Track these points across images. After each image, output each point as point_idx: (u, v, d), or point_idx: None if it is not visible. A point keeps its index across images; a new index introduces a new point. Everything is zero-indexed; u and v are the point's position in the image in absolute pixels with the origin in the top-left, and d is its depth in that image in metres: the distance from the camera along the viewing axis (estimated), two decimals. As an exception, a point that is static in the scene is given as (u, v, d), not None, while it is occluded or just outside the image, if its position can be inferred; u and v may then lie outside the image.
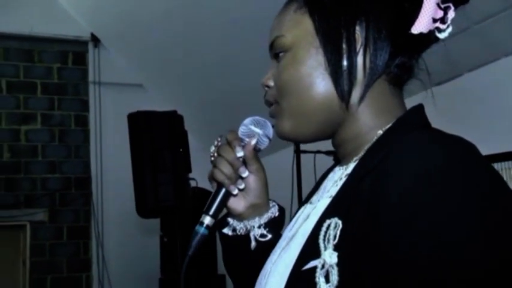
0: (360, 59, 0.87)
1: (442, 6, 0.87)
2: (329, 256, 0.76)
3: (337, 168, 0.96)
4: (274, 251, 0.96)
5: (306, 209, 0.97)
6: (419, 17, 0.86)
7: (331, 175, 0.98)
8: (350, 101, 0.88)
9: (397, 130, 0.85)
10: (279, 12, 0.96)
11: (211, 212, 1.03)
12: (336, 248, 0.76)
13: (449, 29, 0.88)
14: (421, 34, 0.87)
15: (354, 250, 0.74)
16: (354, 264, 0.73)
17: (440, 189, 0.67)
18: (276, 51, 0.94)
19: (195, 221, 1.04)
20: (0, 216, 7.65)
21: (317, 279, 0.76)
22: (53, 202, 8.01)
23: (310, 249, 0.80)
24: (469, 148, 0.73)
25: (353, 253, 0.74)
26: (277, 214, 1.10)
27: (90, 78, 7.54)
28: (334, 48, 0.87)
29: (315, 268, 0.77)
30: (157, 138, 4.24)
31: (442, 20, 0.86)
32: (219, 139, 1.10)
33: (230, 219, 1.12)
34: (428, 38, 0.89)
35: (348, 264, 0.74)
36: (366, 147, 0.87)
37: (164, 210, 4.51)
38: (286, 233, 0.96)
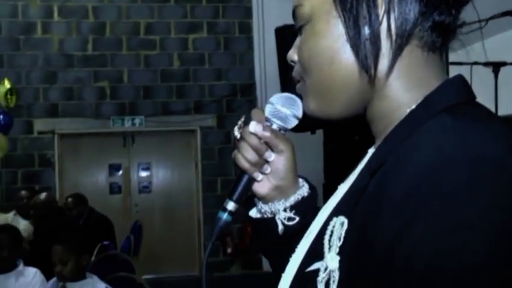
0: (384, 25, 0.73)
1: None
2: (331, 259, 0.71)
3: (371, 149, 0.85)
4: (304, 236, 0.88)
5: (339, 190, 0.87)
6: None
7: (366, 155, 0.86)
8: (376, 74, 0.75)
9: (421, 111, 0.72)
10: None
11: (234, 198, 0.96)
12: (340, 250, 0.71)
13: None
14: None
15: (354, 254, 0.68)
16: (354, 270, 0.68)
17: (449, 192, 0.58)
18: (297, 23, 0.83)
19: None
20: (173, 121, 8.17)
21: (318, 284, 0.72)
22: (220, 108, 8.35)
23: (316, 248, 0.76)
24: (497, 143, 0.62)
25: (354, 257, 0.68)
26: (306, 194, 1.00)
27: (252, -18, 7.45)
28: (352, 14, 0.74)
29: (317, 271, 0.73)
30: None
31: None
32: (242, 119, 0.99)
33: (257, 201, 1.02)
34: None
35: (348, 270, 0.69)
36: (395, 124, 0.75)
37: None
38: (318, 217, 0.88)
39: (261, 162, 0.95)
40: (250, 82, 8.36)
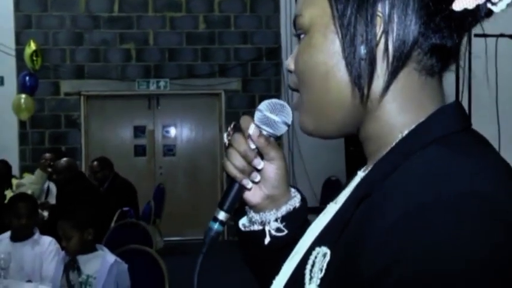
0: (381, 46, 0.70)
1: None
2: None
3: (360, 171, 0.82)
4: (289, 257, 0.87)
5: (327, 209, 0.85)
6: None
7: (356, 177, 0.84)
8: (370, 95, 0.72)
9: (411, 141, 0.70)
10: None
11: (225, 207, 0.94)
12: (321, 282, 0.69)
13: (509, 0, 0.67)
14: (464, 10, 0.67)
15: (335, 287, 0.67)
16: None
17: (430, 239, 0.56)
18: (296, 32, 0.80)
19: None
20: (198, 85, 8.16)
21: None
22: (245, 72, 8.30)
23: (297, 278, 0.75)
24: (485, 181, 0.60)
25: None
26: (297, 205, 0.97)
27: None
28: (349, 32, 0.71)
29: None
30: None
31: None
32: (232, 126, 0.97)
33: (248, 210, 1.00)
34: (475, 13, 0.68)
35: None
36: (385, 151, 0.73)
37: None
38: (305, 235, 0.86)
39: (250, 170, 0.93)
40: (275, 46, 8.25)
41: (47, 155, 5.96)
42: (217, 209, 0.94)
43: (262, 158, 0.94)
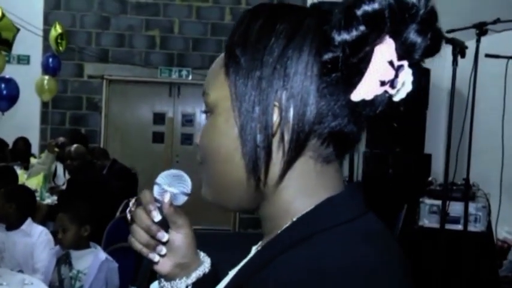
0: (278, 134, 0.71)
1: (396, 64, 0.66)
2: None
3: (255, 246, 0.84)
4: None
5: (229, 274, 0.86)
6: (364, 80, 0.65)
7: (251, 251, 0.85)
8: (267, 181, 0.73)
9: (294, 232, 0.70)
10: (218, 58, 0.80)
11: (137, 283, 0.97)
12: None
13: (408, 89, 0.69)
14: (362, 101, 0.67)
15: None
16: None
17: None
18: (204, 109, 0.80)
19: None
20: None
21: None
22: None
23: None
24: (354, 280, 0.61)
25: None
26: (207, 271, 0.99)
27: None
28: (246, 119, 0.71)
29: None
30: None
31: (392, 84, 0.66)
32: (134, 201, 0.96)
33: (159, 278, 1.01)
34: (373, 104, 0.69)
35: None
36: (277, 233, 0.74)
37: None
38: None
39: (155, 244, 0.95)
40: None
41: (61, 138, 6.05)
42: (129, 286, 0.98)
43: (166, 229, 0.95)
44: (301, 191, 0.73)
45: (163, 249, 0.95)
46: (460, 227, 4.09)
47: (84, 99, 8.14)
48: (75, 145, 5.00)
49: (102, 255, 3.03)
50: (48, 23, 7.79)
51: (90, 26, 8.10)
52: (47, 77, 6.95)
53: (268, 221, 0.77)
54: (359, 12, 0.63)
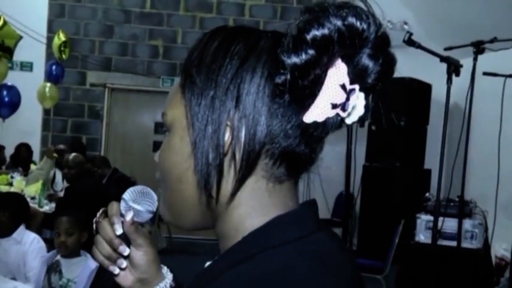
0: (229, 154, 0.71)
1: (348, 88, 0.67)
2: None
3: (208, 262, 0.84)
4: None
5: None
6: (316, 102, 0.67)
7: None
8: (219, 199, 0.74)
9: (238, 250, 0.71)
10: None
11: None
12: None
13: (360, 112, 0.70)
14: (314, 122, 0.68)
15: None
16: None
17: None
18: (163, 128, 0.82)
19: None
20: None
21: None
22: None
23: None
24: None
25: None
26: (168, 286, 1.01)
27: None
28: (198, 137, 0.72)
29: None
30: None
31: (343, 107, 0.68)
32: (101, 212, 0.98)
33: None
34: (325, 125, 0.70)
35: None
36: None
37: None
38: None
39: (117, 256, 0.96)
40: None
41: (61, 146, 6.07)
42: None
43: (128, 244, 0.96)
44: (252, 209, 0.74)
45: (124, 263, 0.97)
46: (455, 243, 4.07)
47: (86, 107, 8.18)
48: (73, 154, 5.01)
49: (93, 263, 3.02)
50: (52, 30, 7.84)
51: (93, 34, 8.15)
52: (48, 84, 6.98)
53: (223, 238, 0.77)
54: (308, 37, 0.63)
